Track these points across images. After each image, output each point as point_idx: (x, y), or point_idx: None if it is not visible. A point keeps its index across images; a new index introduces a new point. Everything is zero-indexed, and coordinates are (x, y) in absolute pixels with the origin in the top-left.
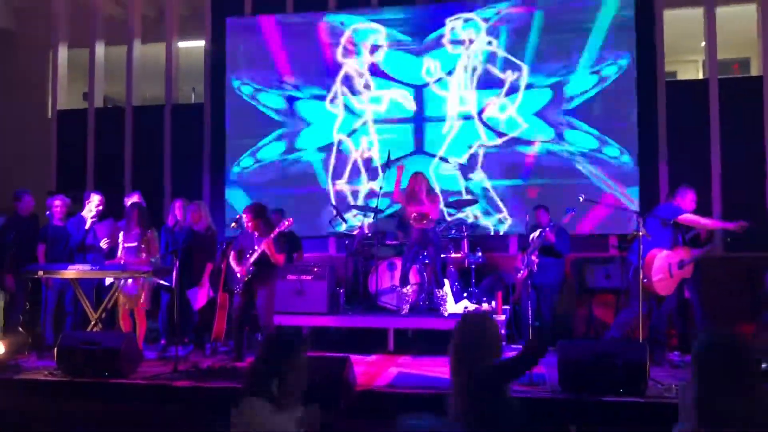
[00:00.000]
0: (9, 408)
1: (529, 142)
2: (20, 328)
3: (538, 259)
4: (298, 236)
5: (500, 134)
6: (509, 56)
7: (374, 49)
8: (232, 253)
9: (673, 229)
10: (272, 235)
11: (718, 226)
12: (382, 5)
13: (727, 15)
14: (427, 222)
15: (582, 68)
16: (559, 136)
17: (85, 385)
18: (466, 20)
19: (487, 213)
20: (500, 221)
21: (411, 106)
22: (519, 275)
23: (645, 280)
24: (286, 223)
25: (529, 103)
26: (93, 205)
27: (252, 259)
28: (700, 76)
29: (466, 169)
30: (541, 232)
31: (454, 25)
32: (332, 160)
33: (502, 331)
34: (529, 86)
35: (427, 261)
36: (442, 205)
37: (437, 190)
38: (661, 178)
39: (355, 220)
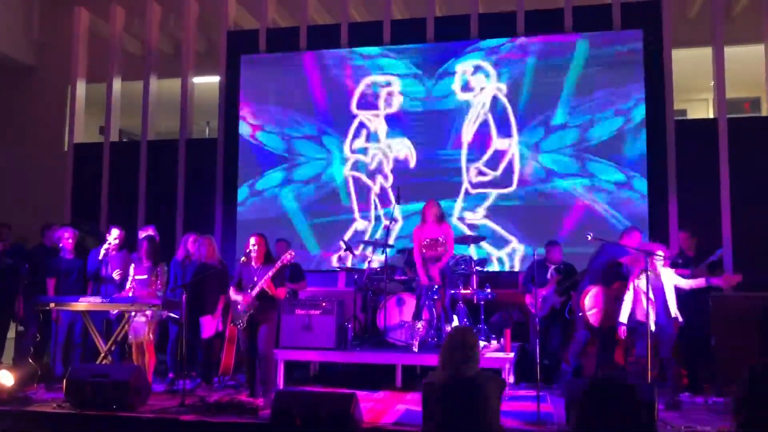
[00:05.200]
0: None
1: (542, 186)
2: (30, 360)
3: (558, 296)
4: (302, 268)
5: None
6: (509, 107)
7: (389, 100)
8: (231, 287)
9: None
10: (272, 272)
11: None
12: (394, 43)
13: (738, 54)
14: (439, 249)
15: (586, 110)
16: (570, 175)
17: (93, 418)
18: (476, 67)
19: (496, 246)
20: (513, 251)
21: (412, 161)
22: (537, 312)
23: (580, 314)
24: (288, 256)
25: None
26: (112, 238)
27: (254, 293)
28: (711, 115)
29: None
30: (556, 269)
31: (464, 70)
32: (347, 195)
33: (510, 369)
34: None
35: (436, 297)
36: (453, 233)
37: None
38: (670, 217)
39: (364, 255)
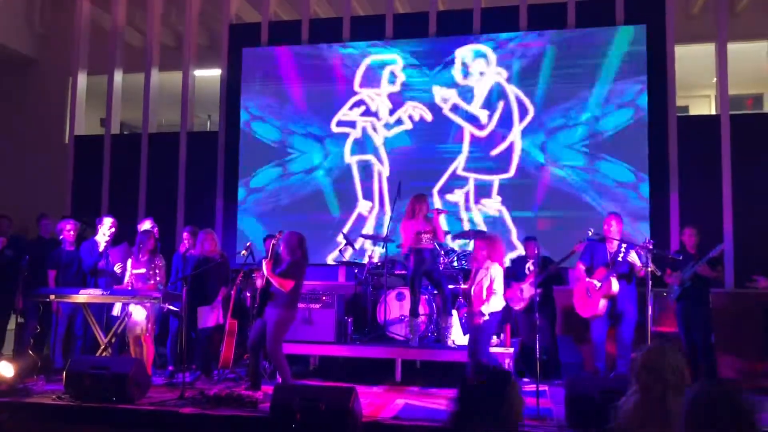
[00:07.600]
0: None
1: (542, 175)
2: (30, 351)
3: (539, 289)
4: None
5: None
6: (519, 93)
7: (392, 78)
8: None
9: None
10: (268, 256)
11: None
12: (396, 36)
13: (741, 51)
14: (426, 240)
15: (593, 103)
16: (571, 170)
17: (92, 410)
18: (476, 52)
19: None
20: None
21: (428, 116)
22: (518, 306)
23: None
24: (277, 235)
25: (542, 134)
26: (105, 228)
27: (262, 281)
28: (713, 111)
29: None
30: (533, 262)
31: (464, 55)
32: (355, 184)
33: (510, 364)
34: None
35: (435, 291)
36: (444, 226)
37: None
38: (672, 214)
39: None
